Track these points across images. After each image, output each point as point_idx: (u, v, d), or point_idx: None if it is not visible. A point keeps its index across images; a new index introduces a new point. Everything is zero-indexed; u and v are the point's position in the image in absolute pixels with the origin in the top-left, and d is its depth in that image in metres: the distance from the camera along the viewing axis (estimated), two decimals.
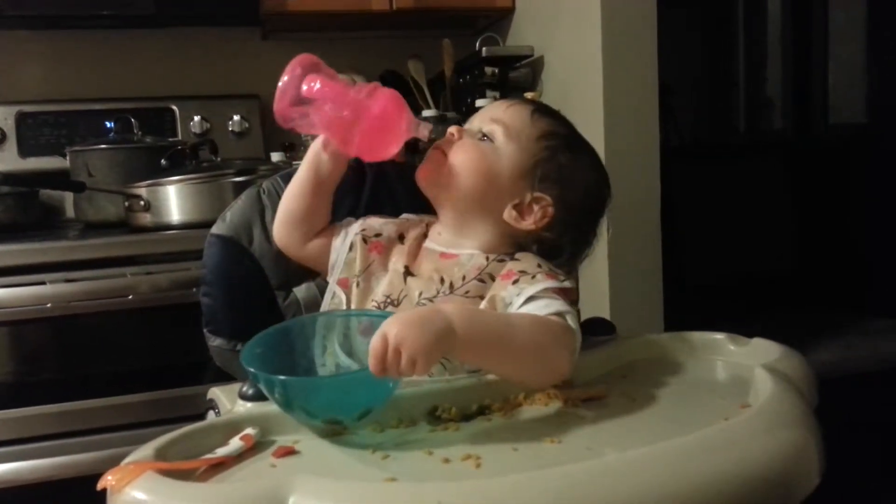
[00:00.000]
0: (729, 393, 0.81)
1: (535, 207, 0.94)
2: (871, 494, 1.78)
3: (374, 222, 1.03)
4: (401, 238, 1.00)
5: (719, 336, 0.96)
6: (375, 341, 0.70)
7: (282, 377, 0.73)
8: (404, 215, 1.06)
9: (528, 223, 0.94)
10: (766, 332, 0.93)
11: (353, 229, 1.01)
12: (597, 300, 1.73)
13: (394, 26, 2.29)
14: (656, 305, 1.75)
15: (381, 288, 0.95)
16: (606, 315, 1.64)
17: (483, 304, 0.89)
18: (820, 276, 2.77)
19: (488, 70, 2.03)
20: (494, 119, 0.96)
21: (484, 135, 0.96)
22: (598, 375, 0.89)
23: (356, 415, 0.75)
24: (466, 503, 0.57)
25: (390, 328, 0.70)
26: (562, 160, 0.96)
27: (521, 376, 0.82)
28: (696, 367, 0.93)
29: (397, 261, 0.97)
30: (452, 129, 0.96)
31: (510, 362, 0.80)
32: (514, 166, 0.94)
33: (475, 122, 0.98)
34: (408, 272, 0.95)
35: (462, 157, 0.94)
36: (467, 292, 0.90)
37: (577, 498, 0.57)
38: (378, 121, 0.88)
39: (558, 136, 0.97)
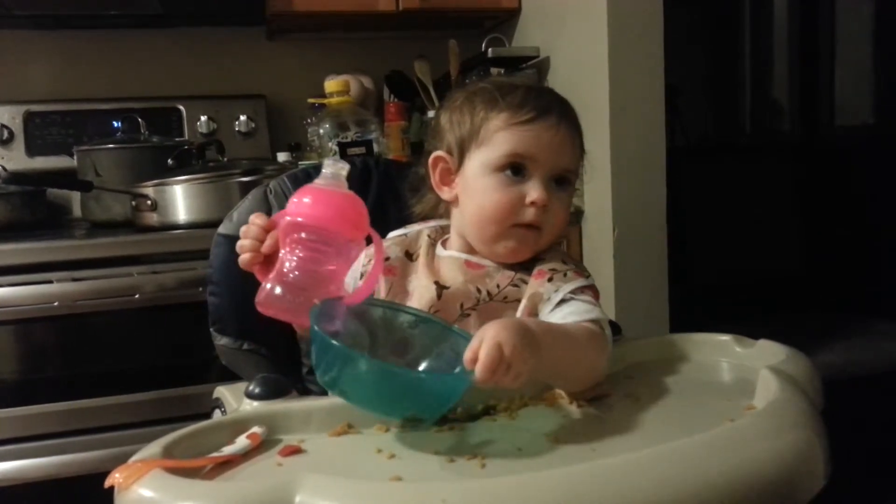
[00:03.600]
0: (734, 394, 0.81)
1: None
2: (876, 496, 1.77)
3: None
4: (408, 256, 1.00)
5: (725, 337, 0.96)
6: (492, 351, 0.67)
7: (394, 367, 0.76)
8: (393, 233, 1.04)
9: None
10: (771, 334, 0.93)
11: (361, 260, 0.97)
12: (602, 300, 1.71)
13: (400, 27, 2.29)
14: (662, 306, 1.75)
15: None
16: (612, 315, 1.63)
17: (524, 303, 0.91)
18: (826, 278, 2.76)
19: (494, 71, 2.02)
20: (569, 169, 0.94)
21: (559, 182, 0.94)
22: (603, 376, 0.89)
23: (438, 415, 0.75)
24: (471, 502, 0.57)
25: (505, 340, 0.68)
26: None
27: (570, 383, 0.83)
28: (702, 369, 0.93)
29: (420, 277, 0.96)
30: (542, 199, 0.90)
31: (568, 372, 0.82)
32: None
33: (540, 165, 0.91)
34: (440, 286, 0.94)
35: (559, 223, 0.94)
36: (505, 298, 0.92)
37: (582, 498, 0.57)
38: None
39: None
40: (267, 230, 0.86)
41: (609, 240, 1.72)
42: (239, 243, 0.87)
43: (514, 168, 0.91)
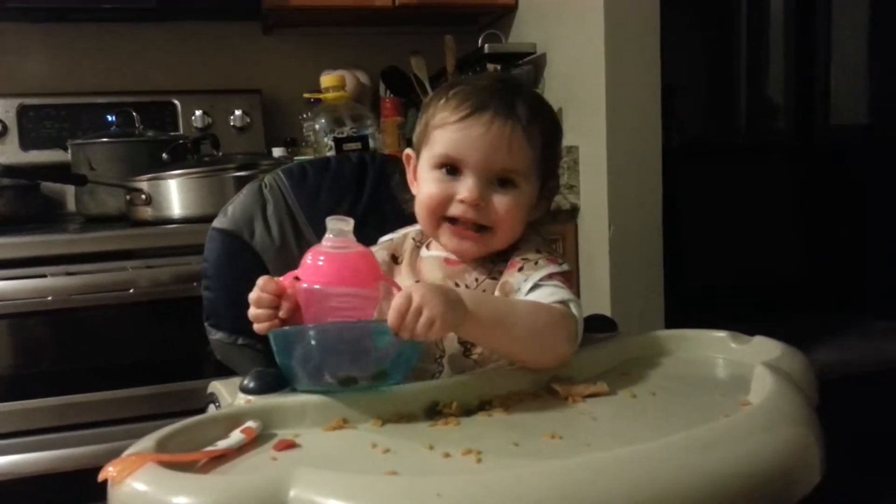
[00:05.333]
0: (729, 390, 0.81)
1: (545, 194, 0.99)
2: (871, 494, 1.78)
3: None
4: (394, 259, 1.01)
5: (720, 334, 0.96)
6: (399, 299, 0.74)
7: (303, 327, 0.80)
8: (383, 238, 1.06)
9: (541, 211, 0.99)
10: (767, 333, 0.93)
11: None
12: (598, 297, 1.74)
13: (396, 22, 2.28)
14: (657, 303, 1.75)
15: None
16: (607, 312, 1.64)
17: (496, 293, 0.92)
18: (821, 278, 2.77)
19: (491, 67, 2.02)
20: (508, 169, 0.92)
21: (501, 182, 0.92)
22: (599, 372, 0.89)
23: (371, 372, 0.77)
24: (466, 497, 0.57)
25: (414, 290, 0.75)
26: (554, 144, 0.99)
27: (523, 355, 0.85)
28: (698, 365, 0.93)
29: (404, 278, 0.98)
30: (470, 198, 0.90)
31: (511, 340, 0.83)
32: (534, 190, 0.96)
33: (470, 165, 0.91)
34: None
35: (508, 222, 0.93)
36: (484, 291, 0.94)
37: (577, 493, 0.57)
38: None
39: (545, 133, 0.96)
40: (279, 296, 0.86)
41: (605, 237, 1.72)
42: (252, 313, 0.87)
43: (449, 167, 0.92)
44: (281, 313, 0.86)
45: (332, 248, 0.86)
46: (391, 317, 0.74)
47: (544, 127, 0.95)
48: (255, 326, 0.88)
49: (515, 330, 0.83)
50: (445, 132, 0.92)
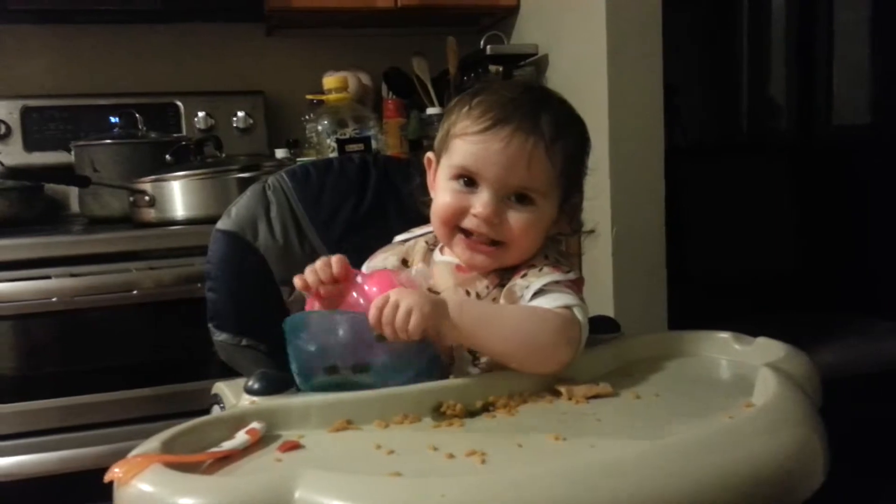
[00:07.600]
0: (733, 391, 0.81)
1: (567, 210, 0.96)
2: (873, 494, 1.78)
3: (377, 261, 1.01)
4: (405, 263, 1.00)
5: (724, 335, 0.96)
6: (377, 299, 0.79)
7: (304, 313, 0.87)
8: (398, 238, 1.06)
9: (565, 226, 0.97)
10: (768, 332, 0.93)
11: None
12: (601, 299, 1.74)
13: (398, 23, 2.29)
14: (660, 304, 1.75)
15: None
16: (611, 314, 1.64)
17: (501, 300, 0.91)
18: (823, 277, 2.76)
19: (493, 68, 2.03)
20: (526, 186, 0.89)
21: (519, 198, 0.90)
22: (602, 373, 0.89)
23: (350, 364, 0.80)
24: (470, 498, 0.57)
25: (392, 292, 0.79)
26: (579, 160, 0.96)
27: (516, 358, 0.84)
28: (701, 366, 0.93)
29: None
30: (483, 213, 0.89)
31: (499, 342, 0.83)
32: (554, 207, 0.93)
33: (486, 179, 0.89)
34: (431, 291, 0.94)
35: (522, 238, 0.91)
36: (494, 299, 0.92)
37: (581, 494, 0.57)
38: None
39: (570, 149, 0.93)
40: (336, 279, 0.88)
41: (608, 238, 1.72)
42: (308, 268, 0.89)
43: (466, 179, 0.91)
44: (322, 290, 0.88)
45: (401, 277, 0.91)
46: (370, 314, 0.77)
47: (569, 143, 0.92)
48: (296, 280, 0.90)
49: (503, 332, 0.83)
50: (465, 143, 0.90)
